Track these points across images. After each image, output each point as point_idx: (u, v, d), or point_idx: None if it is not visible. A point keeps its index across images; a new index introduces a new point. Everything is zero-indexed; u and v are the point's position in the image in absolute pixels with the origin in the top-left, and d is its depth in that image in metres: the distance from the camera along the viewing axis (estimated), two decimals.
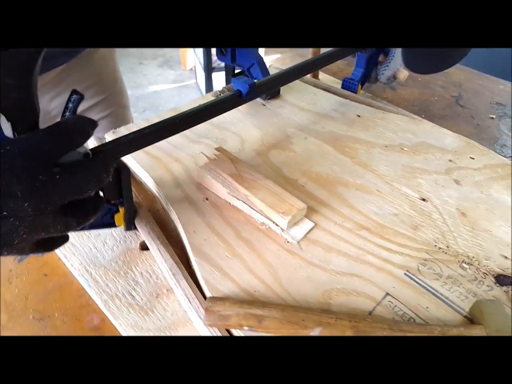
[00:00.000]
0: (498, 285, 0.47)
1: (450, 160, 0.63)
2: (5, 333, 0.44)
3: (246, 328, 0.40)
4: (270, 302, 0.42)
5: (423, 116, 0.80)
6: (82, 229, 0.46)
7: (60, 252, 0.50)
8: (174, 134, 0.50)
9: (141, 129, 0.47)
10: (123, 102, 0.93)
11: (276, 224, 0.50)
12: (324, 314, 0.40)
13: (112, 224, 0.50)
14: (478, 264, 0.48)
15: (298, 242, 0.50)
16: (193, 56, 3.03)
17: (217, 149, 0.58)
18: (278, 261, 0.47)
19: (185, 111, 0.50)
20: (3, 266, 0.51)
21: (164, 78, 3.09)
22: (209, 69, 2.56)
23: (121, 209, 0.49)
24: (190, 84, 3.05)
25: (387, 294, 0.45)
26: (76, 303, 0.47)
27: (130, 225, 0.52)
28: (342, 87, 0.81)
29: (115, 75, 0.89)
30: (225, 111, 0.55)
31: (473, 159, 0.64)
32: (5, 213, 0.31)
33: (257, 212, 0.51)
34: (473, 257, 0.49)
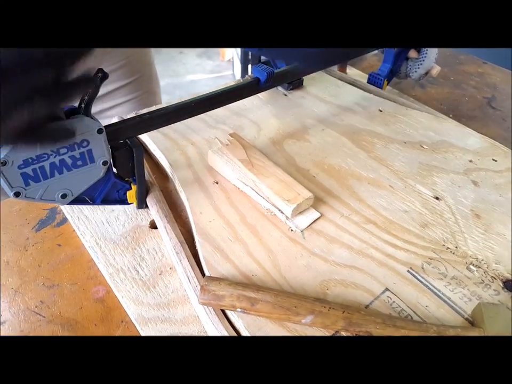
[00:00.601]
0: (506, 290, 0.45)
1: (470, 161, 0.62)
2: (17, 296, 0.46)
3: (238, 310, 0.40)
4: (265, 287, 0.42)
5: (450, 116, 0.78)
6: (94, 203, 0.48)
7: (74, 223, 0.52)
8: (189, 117, 0.51)
9: (157, 109, 0.48)
10: (151, 87, 0.90)
11: (281, 212, 0.50)
12: (317, 302, 0.40)
13: (124, 201, 0.51)
14: (487, 268, 0.47)
15: (302, 231, 0.50)
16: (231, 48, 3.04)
17: (231, 135, 0.59)
18: (279, 248, 0.48)
19: (202, 95, 0.51)
20: (20, 234, 0.53)
21: (201, 68, 3.13)
22: (245, 61, 2.56)
23: (134, 187, 0.50)
24: (227, 75, 3.07)
25: (386, 289, 0.44)
26: (84, 274, 0.49)
27: (141, 204, 0.53)
28: (367, 82, 0.80)
29: (145, 59, 0.87)
30: (242, 98, 0.55)
31: (495, 161, 0.62)
32: None
33: (263, 198, 0.51)
34: (482, 260, 0.48)
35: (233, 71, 3.08)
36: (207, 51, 3.33)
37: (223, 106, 0.54)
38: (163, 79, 2.94)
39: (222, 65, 3.18)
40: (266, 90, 0.57)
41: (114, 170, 0.48)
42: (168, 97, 2.74)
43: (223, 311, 0.42)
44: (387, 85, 0.79)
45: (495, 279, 0.46)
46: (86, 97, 0.40)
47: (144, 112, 0.49)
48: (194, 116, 0.52)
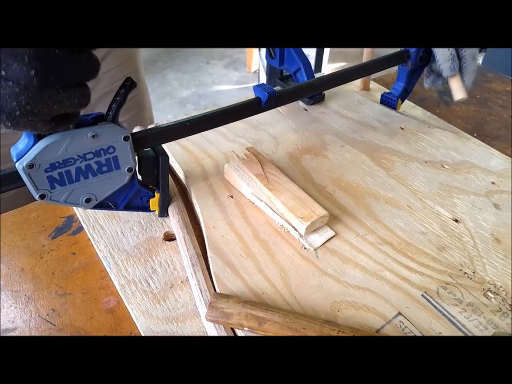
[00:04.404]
0: None
1: (493, 183, 0.60)
2: (30, 304, 0.47)
3: (246, 329, 0.39)
4: (274, 306, 0.42)
5: (474, 135, 0.76)
6: (118, 208, 0.48)
7: (89, 233, 0.53)
8: (184, 136, 0.51)
9: (181, 120, 0.48)
10: (142, 103, 0.89)
11: (295, 229, 0.50)
12: (326, 325, 0.39)
13: (147, 208, 0.52)
14: (505, 295, 0.45)
15: (315, 249, 0.49)
16: (258, 59, 3.06)
17: (248, 149, 0.58)
18: (291, 266, 0.47)
19: (199, 115, 0.50)
20: (37, 241, 0.54)
21: (227, 79, 3.15)
22: (271, 73, 2.57)
23: (157, 195, 0.51)
24: (253, 86, 3.09)
25: (399, 313, 0.43)
26: (96, 284, 0.49)
27: (163, 212, 0.53)
28: (380, 103, 0.78)
29: (138, 75, 0.84)
30: (244, 117, 0.54)
31: None
32: (3, 72, 0.29)
33: (277, 214, 0.51)
34: (500, 286, 0.46)
35: (259, 82, 3.10)
36: (234, 61, 3.35)
37: (222, 126, 0.53)
38: (189, 88, 2.98)
39: (248, 77, 3.19)
40: (268, 110, 0.56)
41: (139, 177, 0.49)
42: (193, 107, 2.78)
43: (232, 329, 0.42)
44: (401, 104, 0.77)
45: None
46: (113, 105, 0.41)
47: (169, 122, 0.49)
48: (189, 135, 0.51)
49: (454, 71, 0.64)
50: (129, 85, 0.40)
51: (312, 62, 2.44)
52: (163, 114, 2.66)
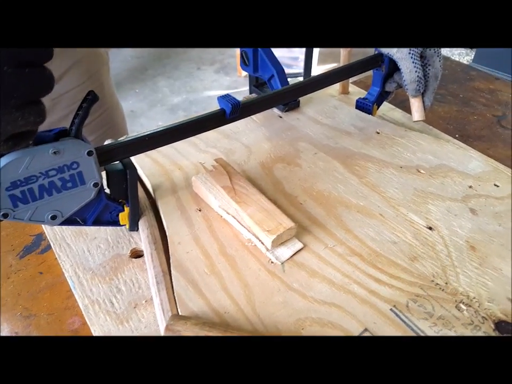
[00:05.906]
0: (497, 332, 0.42)
1: (470, 187, 0.58)
2: None
3: None
4: (235, 326, 0.40)
5: (456, 136, 0.75)
6: (86, 224, 0.47)
7: (56, 251, 0.51)
8: (150, 150, 0.50)
9: (113, 142, 0.47)
10: (113, 120, 0.86)
11: (262, 242, 0.48)
12: None
13: (116, 223, 0.51)
14: (478, 307, 0.44)
15: (282, 263, 0.47)
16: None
17: (216, 160, 0.57)
18: (256, 282, 0.45)
19: (161, 128, 0.49)
20: (4, 261, 0.52)
21: (218, 84, 3.14)
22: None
23: (127, 209, 0.50)
24: (243, 91, 3.07)
25: (365, 329, 0.41)
26: (62, 304, 0.48)
27: (133, 226, 0.52)
28: (356, 108, 0.76)
29: (106, 90, 0.82)
30: (208, 130, 0.53)
31: (497, 186, 0.58)
32: None
33: (245, 227, 0.50)
34: (474, 297, 0.45)
35: (249, 87, 3.09)
36: (224, 67, 3.34)
37: (186, 138, 0.52)
38: (180, 95, 2.96)
39: (238, 81, 3.18)
40: (234, 121, 0.55)
41: (108, 191, 0.48)
42: (184, 113, 2.77)
43: None
44: (377, 109, 0.75)
45: (486, 319, 0.43)
46: (76, 120, 0.40)
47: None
48: (149, 150, 0.50)
49: (419, 93, 0.66)
50: (91, 98, 0.39)
51: (302, 64, 2.42)
52: (154, 121, 2.65)
